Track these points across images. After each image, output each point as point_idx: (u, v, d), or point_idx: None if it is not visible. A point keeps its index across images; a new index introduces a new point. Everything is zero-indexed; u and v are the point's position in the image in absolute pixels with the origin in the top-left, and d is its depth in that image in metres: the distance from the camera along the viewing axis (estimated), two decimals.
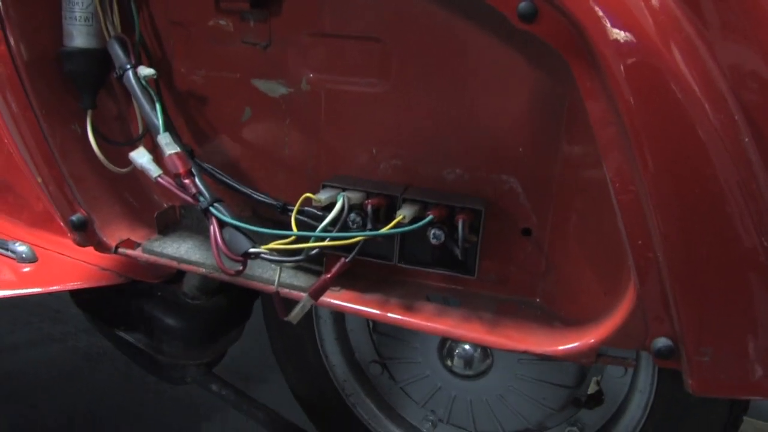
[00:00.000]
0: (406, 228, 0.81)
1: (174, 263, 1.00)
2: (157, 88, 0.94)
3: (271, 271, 0.95)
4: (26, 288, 1.18)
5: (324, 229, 0.80)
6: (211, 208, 0.81)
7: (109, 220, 1.03)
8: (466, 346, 1.18)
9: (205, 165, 0.97)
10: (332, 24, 0.87)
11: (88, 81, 0.98)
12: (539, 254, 0.89)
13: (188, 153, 0.92)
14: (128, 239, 1.04)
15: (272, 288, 0.90)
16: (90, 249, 1.05)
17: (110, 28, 0.94)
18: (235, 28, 0.92)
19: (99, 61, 0.96)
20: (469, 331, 0.86)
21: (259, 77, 0.94)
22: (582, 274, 0.87)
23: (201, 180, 0.83)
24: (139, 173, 0.96)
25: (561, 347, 0.82)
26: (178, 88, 1.00)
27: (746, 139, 0.65)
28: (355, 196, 0.85)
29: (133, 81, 0.88)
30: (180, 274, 1.20)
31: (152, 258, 1.02)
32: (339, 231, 0.82)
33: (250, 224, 0.80)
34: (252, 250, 0.79)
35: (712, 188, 0.66)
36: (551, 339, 0.84)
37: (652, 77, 0.65)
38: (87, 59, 0.96)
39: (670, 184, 0.67)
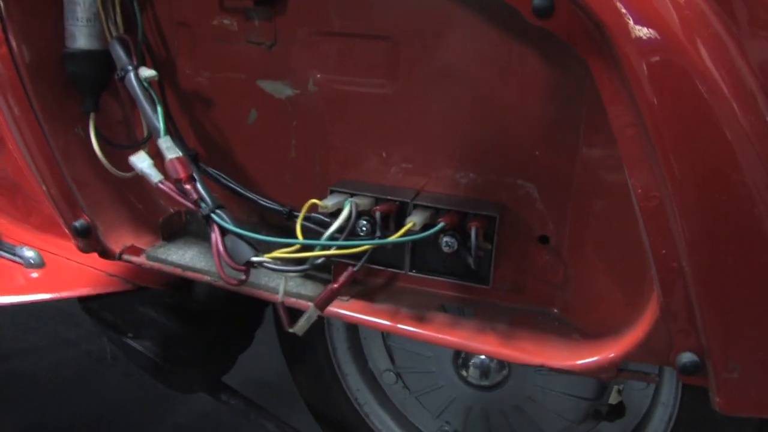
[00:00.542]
0: (417, 236, 0.77)
1: (179, 271, 0.97)
2: (159, 89, 0.91)
3: (278, 280, 0.91)
4: (33, 294, 1.16)
5: (330, 237, 0.77)
6: (212, 215, 0.78)
7: (114, 226, 1.01)
8: (482, 356, 1.14)
9: (210, 169, 0.94)
10: (339, 22, 0.84)
11: (90, 83, 0.96)
12: (557, 263, 0.85)
13: (192, 157, 0.89)
14: (133, 245, 1.01)
15: (277, 298, 0.87)
16: (96, 254, 1.03)
17: (112, 28, 0.91)
18: (239, 27, 0.89)
19: (102, 62, 0.94)
20: (483, 344, 0.82)
21: (265, 78, 0.90)
22: (602, 283, 0.83)
23: (203, 185, 0.80)
24: (143, 177, 0.94)
25: (580, 361, 0.78)
26: (182, 90, 0.97)
27: None
28: (364, 202, 0.81)
29: (134, 82, 0.86)
30: (188, 281, 1.18)
31: (156, 265, 0.99)
32: (347, 238, 0.78)
33: (254, 231, 0.77)
34: (255, 258, 0.75)
35: (740, 193, 0.62)
36: (569, 352, 0.80)
37: (677, 76, 0.61)
38: (89, 61, 0.94)
39: (696, 189, 0.63)
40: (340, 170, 0.91)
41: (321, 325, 1.24)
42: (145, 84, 0.86)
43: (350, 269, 0.80)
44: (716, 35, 0.61)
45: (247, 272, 0.77)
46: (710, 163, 0.62)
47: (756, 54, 0.61)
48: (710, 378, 0.70)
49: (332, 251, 0.76)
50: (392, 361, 1.26)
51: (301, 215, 0.79)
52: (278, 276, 0.91)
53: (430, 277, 0.86)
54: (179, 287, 1.19)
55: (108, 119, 1.01)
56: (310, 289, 0.91)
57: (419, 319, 0.85)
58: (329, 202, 0.80)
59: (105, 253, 1.01)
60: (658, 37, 0.60)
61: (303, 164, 0.93)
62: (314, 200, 0.79)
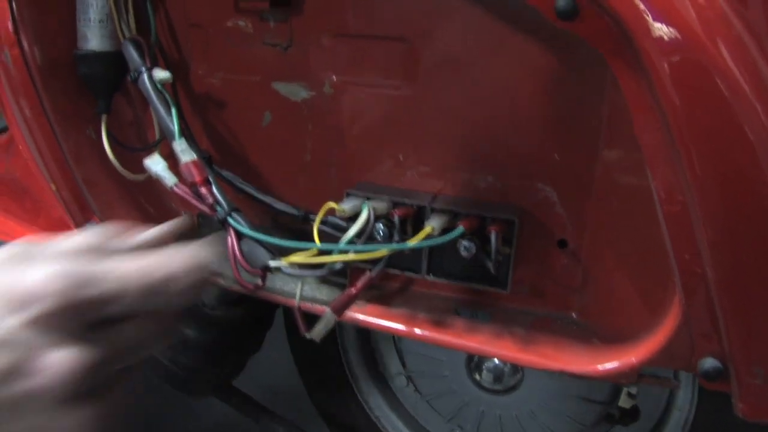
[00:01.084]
0: (437, 240, 0.76)
1: None
2: (173, 92, 0.90)
3: (293, 284, 0.90)
4: None
5: (349, 241, 0.76)
6: (228, 219, 0.77)
7: None
8: (496, 360, 1.13)
9: (224, 172, 0.93)
10: (356, 24, 0.83)
11: (102, 84, 0.95)
12: (575, 267, 0.84)
13: (206, 160, 0.89)
14: None
15: (293, 302, 0.86)
16: None
17: (125, 29, 0.90)
18: (254, 28, 0.88)
19: (114, 64, 0.93)
20: (502, 349, 0.81)
21: (280, 80, 0.89)
22: (621, 288, 0.82)
23: (218, 189, 0.79)
24: (154, 180, 0.93)
25: (600, 367, 0.77)
26: (195, 92, 0.96)
27: None
28: (381, 206, 0.80)
29: (147, 84, 0.84)
30: None
31: None
32: (364, 243, 0.77)
33: (271, 235, 0.76)
34: (272, 263, 0.74)
35: (763, 194, 0.61)
36: (589, 357, 0.79)
37: (699, 75, 0.59)
38: (101, 62, 0.93)
39: (719, 191, 0.61)
40: (355, 173, 0.90)
41: (332, 328, 1.23)
42: (159, 86, 0.85)
43: (368, 274, 0.79)
44: (738, 35, 0.60)
45: (264, 277, 0.77)
46: (733, 164, 0.60)
47: None
48: (733, 383, 0.69)
49: (351, 256, 0.75)
50: (403, 364, 1.25)
51: (318, 219, 0.77)
52: (293, 280, 0.90)
53: (447, 281, 0.85)
54: None
55: (119, 121, 1.00)
56: (325, 293, 0.90)
57: (436, 324, 0.84)
58: (346, 206, 0.79)
59: None
60: (679, 36, 0.59)
61: (318, 167, 0.92)
62: (331, 203, 0.78)
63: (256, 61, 0.90)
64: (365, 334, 1.25)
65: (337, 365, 1.27)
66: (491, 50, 0.78)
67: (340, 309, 0.79)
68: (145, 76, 0.85)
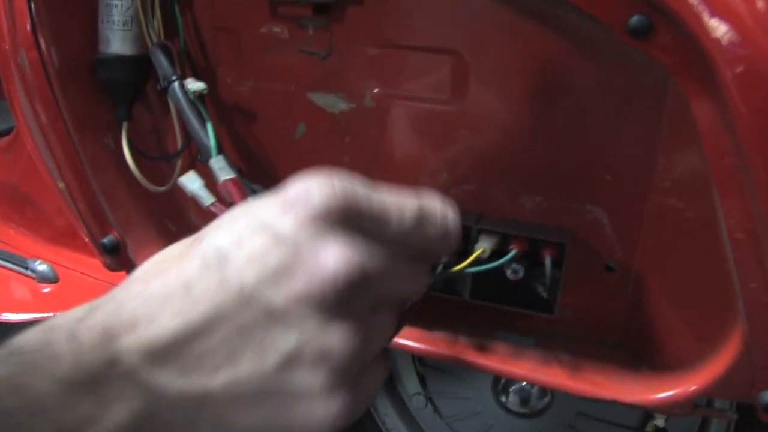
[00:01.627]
0: (489, 265, 0.72)
1: None
2: (203, 103, 0.86)
3: None
4: (47, 312, 1.10)
5: None
6: None
7: (144, 244, 0.95)
8: (524, 382, 1.10)
9: (255, 186, 0.88)
10: (403, 34, 0.79)
11: (124, 91, 0.89)
12: (624, 291, 0.81)
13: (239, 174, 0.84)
14: None
15: None
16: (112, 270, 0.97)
17: (152, 33, 0.85)
18: (290, 35, 0.84)
19: (137, 69, 0.88)
20: (551, 377, 0.78)
21: (316, 90, 0.85)
22: (671, 315, 0.79)
23: None
24: (176, 192, 0.88)
25: (654, 396, 0.74)
26: (222, 100, 0.91)
27: None
28: None
29: (179, 95, 0.79)
30: None
31: None
32: None
33: None
34: None
35: None
36: (641, 386, 0.76)
37: None
38: (124, 67, 0.87)
39: None
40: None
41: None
42: (192, 97, 0.80)
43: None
44: None
45: None
46: None
47: None
48: None
49: None
50: (424, 384, 1.21)
51: None
52: None
53: (491, 304, 0.81)
54: None
55: (138, 129, 0.95)
56: None
57: (481, 349, 0.81)
58: None
59: None
60: (756, 56, 0.57)
61: None
62: None
63: (291, 69, 0.85)
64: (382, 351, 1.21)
65: None
66: (544, 67, 0.75)
67: None
68: (176, 86, 0.80)
